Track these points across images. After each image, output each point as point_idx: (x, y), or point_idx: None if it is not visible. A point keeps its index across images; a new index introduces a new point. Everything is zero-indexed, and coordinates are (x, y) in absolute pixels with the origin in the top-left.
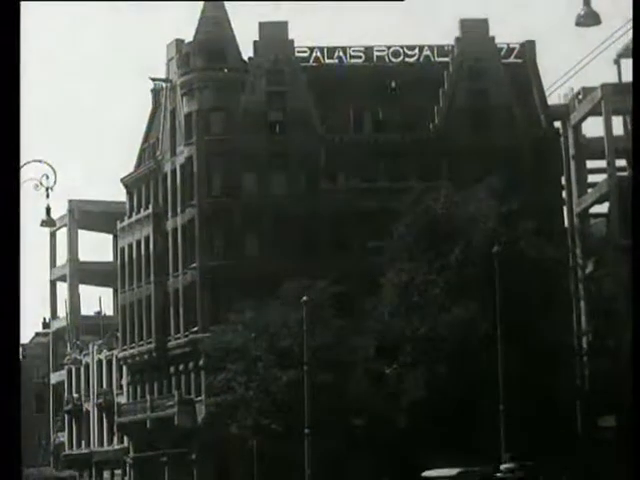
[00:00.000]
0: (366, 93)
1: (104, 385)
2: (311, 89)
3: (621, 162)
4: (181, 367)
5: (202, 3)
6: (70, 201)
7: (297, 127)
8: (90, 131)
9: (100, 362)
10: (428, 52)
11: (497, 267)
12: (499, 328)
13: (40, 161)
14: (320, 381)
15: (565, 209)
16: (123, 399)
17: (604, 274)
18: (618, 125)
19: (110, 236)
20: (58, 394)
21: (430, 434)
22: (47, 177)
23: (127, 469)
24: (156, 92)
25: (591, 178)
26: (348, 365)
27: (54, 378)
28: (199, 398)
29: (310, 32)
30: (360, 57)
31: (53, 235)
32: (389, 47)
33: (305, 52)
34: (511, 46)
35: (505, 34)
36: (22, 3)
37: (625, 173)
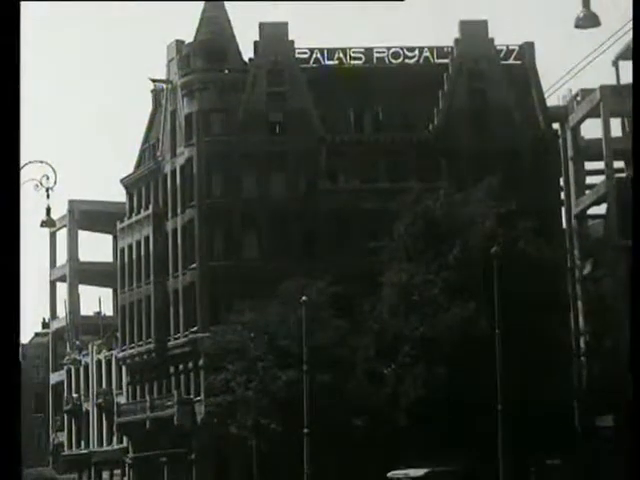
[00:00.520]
0: (366, 93)
1: (103, 385)
2: (311, 89)
3: (619, 164)
4: (180, 367)
5: (202, 3)
6: (70, 201)
7: (297, 127)
8: (90, 131)
9: (99, 362)
10: (428, 53)
11: (496, 267)
12: (497, 328)
13: (40, 161)
14: (319, 381)
15: (563, 210)
16: (122, 399)
17: (602, 275)
18: (616, 127)
19: (110, 236)
20: (57, 394)
21: (430, 434)
22: (47, 177)
23: (126, 469)
24: (156, 93)
25: (589, 179)
26: (347, 365)
27: (54, 378)
28: (198, 398)
29: (310, 33)
30: (360, 58)
31: (53, 235)
32: (389, 48)
33: (305, 53)
34: (510, 48)
35: (504, 36)
36: (22, 3)
37: (623, 175)
